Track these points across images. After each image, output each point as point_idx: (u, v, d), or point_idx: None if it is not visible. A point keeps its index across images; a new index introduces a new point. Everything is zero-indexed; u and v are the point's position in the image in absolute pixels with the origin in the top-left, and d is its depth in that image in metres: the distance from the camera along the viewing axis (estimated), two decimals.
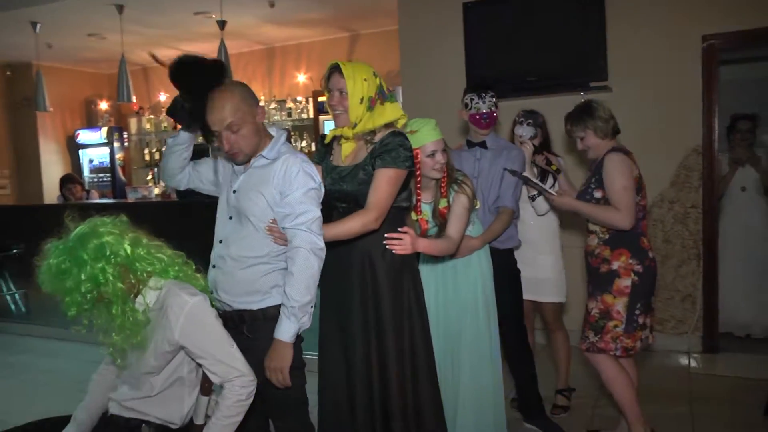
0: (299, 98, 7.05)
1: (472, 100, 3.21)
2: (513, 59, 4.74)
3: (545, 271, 3.51)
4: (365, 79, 2.39)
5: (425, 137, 2.70)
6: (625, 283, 2.86)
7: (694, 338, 4.58)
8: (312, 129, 6.94)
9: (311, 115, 7.00)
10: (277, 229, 2.23)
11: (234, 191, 2.30)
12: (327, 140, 2.55)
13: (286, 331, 2.14)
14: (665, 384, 3.98)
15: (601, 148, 2.99)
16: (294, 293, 2.13)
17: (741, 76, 5.93)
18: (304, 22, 6.40)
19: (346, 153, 2.49)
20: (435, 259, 2.89)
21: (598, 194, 2.94)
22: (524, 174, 3.13)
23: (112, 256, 1.89)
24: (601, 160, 2.95)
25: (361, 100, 2.39)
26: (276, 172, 2.23)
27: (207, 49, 7.14)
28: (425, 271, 2.88)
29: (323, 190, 2.35)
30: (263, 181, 2.23)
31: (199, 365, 2.04)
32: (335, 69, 2.44)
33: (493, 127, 3.30)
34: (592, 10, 4.50)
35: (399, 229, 2.44)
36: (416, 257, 2.62)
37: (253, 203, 2.24)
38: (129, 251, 1.94)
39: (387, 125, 2.44)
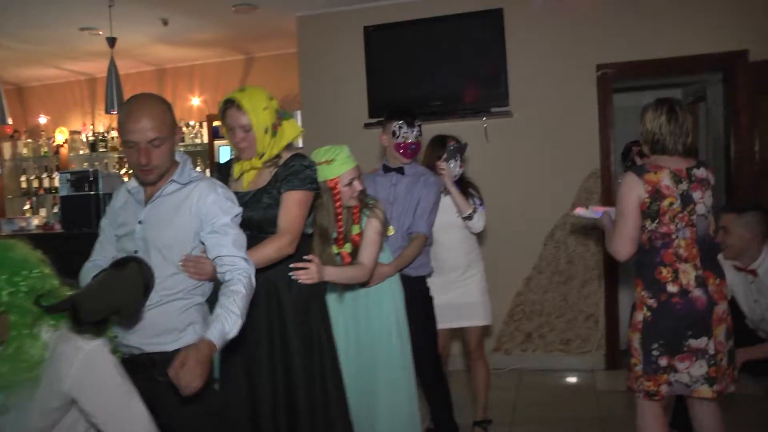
0: (192, 122, 6.72)
1: (400, 128, 3.14)
2: (416, 83, 4.71)
3: (472, 294, 3.45)
4: (265, 108, 2.33)
5: (342, 166, 2.62)
6: (638, 317, 2.52)
7: (597, 356, 4.67)
8: (206, 154, 6.64)
9: (205, 140, 6.69)
10: (192, 263, 2.06)
11: (140, 222, 2.09)
12: (236, 175, 2.45)
13: (219, 334, 1.86)
14: (574, 405, 4.04)
15: (647, 153, 2.65)
16: (240, 304, 1.94)
17: (633, 103, 6.21)
18: (198, 43, 6.12)
19: (249, 179, 2.43)
20: (345, 287, 2.78)
21: None
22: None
23: (27, 271, 1.68)
24: None
25: (266, 130, 2.34)
26: (191, 198, 2.08)
27: (95, 68, 6.70)
28: (335, 300, 2.78)
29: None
30: (176, 209, 2.07)
31: (93, 425, 1.75)
32: (231, 104, 2.34)
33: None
34: (493, 36, 4.57)
35: (304, 257, 2.39)
36: (324, 286, 2.56)
37: (164, 233, 2.06)
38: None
39: (288, 145, 2.44)
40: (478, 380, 3.55)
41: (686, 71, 4.67)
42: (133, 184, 2.17)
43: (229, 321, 1.89)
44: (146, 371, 2.02)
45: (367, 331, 2.83)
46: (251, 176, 2.42)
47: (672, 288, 2.44)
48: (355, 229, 2.69)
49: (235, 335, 1.91)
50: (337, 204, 2.61)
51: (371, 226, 2.71)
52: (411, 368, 2.90)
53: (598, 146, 4.56)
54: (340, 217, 2.63)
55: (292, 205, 2.33)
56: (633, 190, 2.49)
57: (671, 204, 2.46)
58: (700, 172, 2.52)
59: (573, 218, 4.58)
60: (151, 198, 2.10)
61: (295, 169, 2.35)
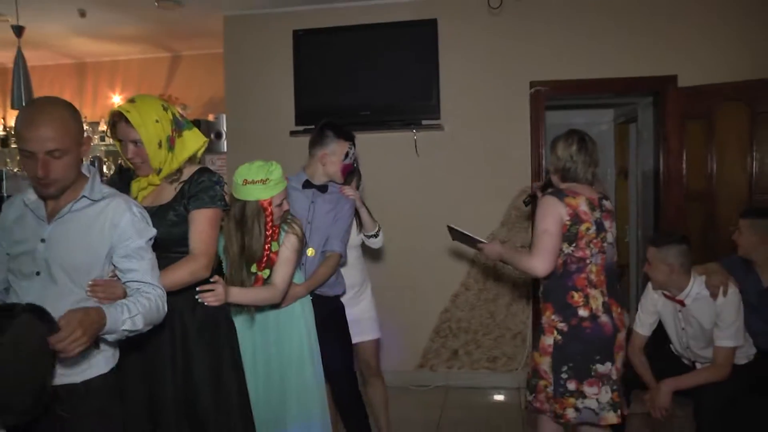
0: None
1: (351, 149, 3.03)
2: (345, 92, 4.56)
3: (367, 310, 3.40)
4: (157, 120, 2.15)
5: (277, 186, 2.50)
6: (548, 341, 2.57)
7: (523, 374, 4.59)
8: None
9: None
10: (101, 288, 1.85)
11: (43, 240, 1.86)
12: (134, 195, 2.26)
13: (114, 316, 1.74)
14: (500, 423, 4.01)
15: (556, 181, 2.74)
16: (145, 307, 1.82)
17: (566, 122, 6.23)
18: (121, 38, 5.79)
19: (145, 194, 2.26)
20: (256, 309, 2.60)
21: (532, 236, 2.76)
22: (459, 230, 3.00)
23: None
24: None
25: (159, 144, 2.16)
26: (104, 216, 1.90)
27: (6, 57, 6.24)
28: (243, 323, 2.61)
29: None
30: (87, 228, 1.88)
31: None
32: (120, 117, 2.16)
33: None
34: (426, 47, 4.45)
35: (210, 279, 2.25)
36: (228, 307, 2.40)
37: (73, 254, 1.86)
38: None
39: (191, 158, 2.28)
40: (378, 398, 3.44)
41: (618, 93, 4.68)
42: (32, 197, 1.94)
43: (126, 312, 1.77)
44: (49, 407, 1.78)
45: (277, 357, 2.67)
46: (148, 192, 2.25)
47: (583, 312, 2.52)
48: (274, 247, 2.53)
49: (127, 331, 1.78)
50: (269, 225, 2.48)
51: (288, 243, 2.57)
52: (324, 393, 2.75)
53: (530, 164, 4.50)
54: (269, 239, 2.49)
55: (205, 225, 2.19)
56: (556, 211, 2.54)
57: (588, 229, 2.56)
58: (608, 204, 2.69)
59: (502, 235, 4.52)
60: (57, 214, 1.88)
61: (205, 186, 2.21)
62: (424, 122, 4.50)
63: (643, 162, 5.12)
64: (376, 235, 3.41)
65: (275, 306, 2.63)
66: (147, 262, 1.91)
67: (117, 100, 6.37)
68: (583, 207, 2.57)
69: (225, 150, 5.24)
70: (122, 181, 2.36)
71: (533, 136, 4.50)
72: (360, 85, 4.53)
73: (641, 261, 5.16)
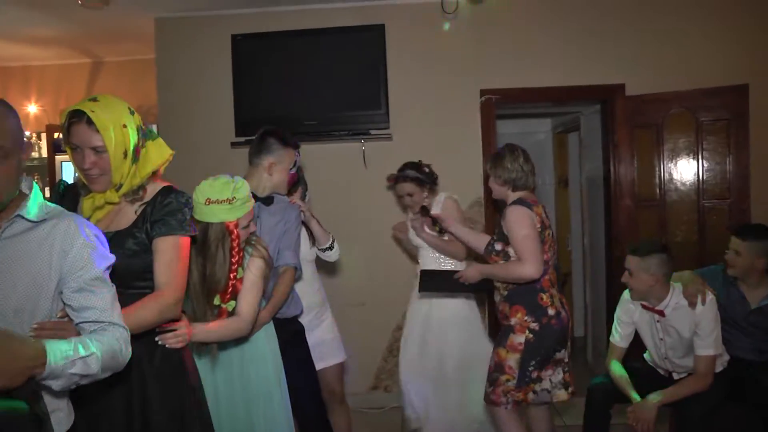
0: (28, 133, 5.84)
1: (297, 157, 2.84)
2: (289, 100, 4.31)
3: (328, 331, 3.22)
4: (125, 125, 1.80)
5: (244, 206, 2.24)
6: (518, 339, 2.82)
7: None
8: (45, 170, 5.78)
9: (45, 154, 5.83)
10: (49, 333, 1.46)
11: None
12: (87, 213, 1.89)
13: (60, 351, 1.35)
14: None
15: (502, 194, 2.99)
16: (99, 349, 1.43)
17: (501, 131, 6.19)
18: (34, 40, 5.29)
19: (100, 216, 1.89)
20: (217, 346, 2.32)
21: (498, 246, 2.92)
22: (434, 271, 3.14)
23: None
24: (504, 212, 2.89)
25: (125, 153, 1.81)
26: (48, 241, 1.52)
27: None
28: (204, 363, 2.32)
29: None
30: (26, 257, 1.49)
31: None
32: (80, 118, 1.79)
33: None
34: (374, 54, 4.27)
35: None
36: (187, 345, 2.08)
37: (11, 293, 1.47)
38: None
39: (153, 173, 1.94)
40: (343, 426, 3.23)
41: (567, 101, 4.65)
42: None
43: (79, 349, 1.39)
44: None
45: (242, 392, 2.40)
46: (104, 213, 1.90)
47: (551, 311, 2.84)
48: (240, 273, 2.26)
49: (79, 375, 1.40)
50: (235, 250, 2.20)
51: (254, 268, 2.31)
52: (291, 423, 2.52)
53: (482, 173, 4.38)
54: (235, 266, 2.21)
55: (173, 255, 1.88)
56: (529, 217, 2.81)
57: (549, 234, 2.92)
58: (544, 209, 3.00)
59: None
60: None
61: (172, 208, 1.89)
62: (372, 132, 4.31)
63: (588, 170, 5.11)
64: (331, 248, 3.22)
65: (238, 339, 2.35)
66: (105, 296, 1.55)
67: (33, 109, 5.85)
68: (543, 213, 2.92)
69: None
70: (66, 199, 1.99)
71: (485, 145, 4.40)
72: (305, 93, 4.29)
73: (591, 269, 5.16)
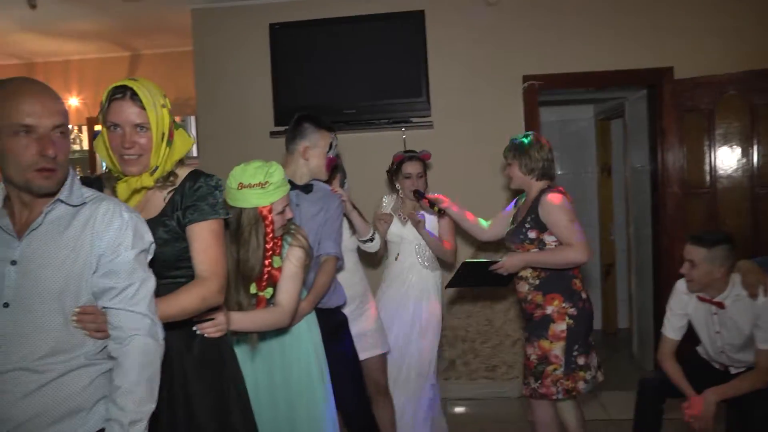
0: (69, 126, 5.92)
1: (334, 140, 2.76)
2: (328, 89, 4.25)
3: (372, 321, 3.15)
4: (163, 106, 1.77)
5: (278, 191, 2.18)
6: (560, 327, 2.79)
7: None
8: (86, 163, 5.85)
9: (86, 147, 5.90)
10: (91, 318, 1.48)
11: (14, 262, 1.46)
12: (122, 198, 1.82)
13: None
14: None
15: (524, 183, 2.95)
16: (129, 401, 1.44)
17: (559, 118, 6.09)
18: (75, 34, 5.34)
19: (135, 202, 1.86)
20: (259, 335, 2.28)
21: (532, 234, 2.84)
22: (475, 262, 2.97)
23: None
24: (536, 200, 2.84)
25: (163, 135, 1.78)
26: (90, 225, 1.53)
27: None
28: (244, 353, 2.28)
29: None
30: (67, 239, 1.51)
31: None
32: (123, 93, 1.75)
33: None
34: (414, 40, 4.19)
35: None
36: (228, 334, 2.04)
37: (57, 275, 1.48)
38: None
39: (180, 161, 1.90)
40: (386, 419, 3.15)
41: (612, 85, 4.49)
42: None
43: (122, 417, 1.45)
44: None
45: (283, 384, 2.36)
46: (134, 203, 1.85)
47: (584, 295, 2.86)
48: (276, 262, 2.21)
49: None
50: (269, 237, 2.15)
51: (293, 258, 2.25)
52: (335, 417, 2.47)
53: None
54: (269, 252, 2.17)
55: (210, 240, 1.82)
56: (568, 203, 2.81)
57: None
58: None
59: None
60: (30, 226, 1.49)
61: (203, 192, 1.83)
62: (413, 120, 4.24)
63: (633, 157, 4.97)
64: (372, 239, 3.18)
65: (279, 329, 2.31)
66: (135, 281, 1.53)
67: (74, 102, 5.91)
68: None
69: (196, 155, 4.87)
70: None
71: (527, 131, 4.27)
72: (344, 81, 4.24)
73: (636, 259, 5.02)
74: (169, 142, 1.82)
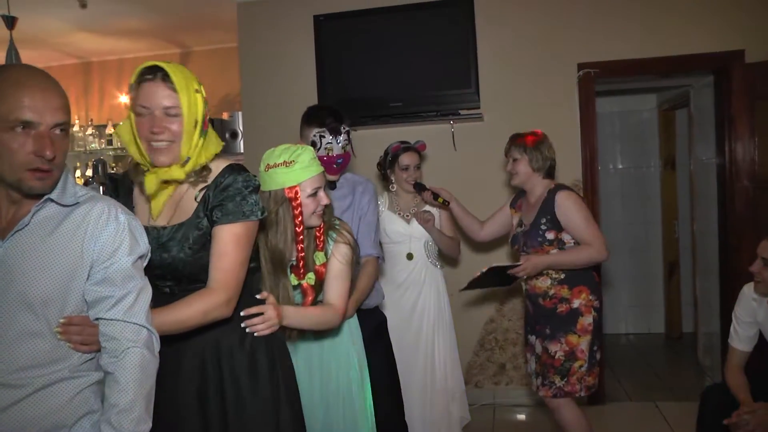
0: (122, 123, 6.00)
1: (321, 138, 2.44)
2: (373, 81, 4.12)
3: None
4: (197, 90, 1.64)
5: (305, 171, 2.01)
6: (588, 320, 2.77)
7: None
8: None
9: None
10: (77, 330, 1.37)
11: None
12: (150, 191, 1.70)
13: None
14: None
15: (529, 180, 2.92)
16: (126, 421, 1.33)
17: (601, 110, 5.78)
18: (126, 33, 5.42)
19: (160, 205, 1.71)
20: (301, 333, 2.15)
21: (550, 235, 2.79)
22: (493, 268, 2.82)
23: None
24: (547, 200, 2.81)
25: (195, 123, 1.63)
26: (80, 227, 1.41)
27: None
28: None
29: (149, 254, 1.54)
30: (56, 243, 1.39)
31: None
32: (155, 74, 1.62)
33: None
34: (462, 30, 4.01)
35: (257, 296, 1.83)
36: (282, 333, 1.93)
37: (42, 279, 1.36)
38: None
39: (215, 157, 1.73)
40: None
41: (675, 72, 4.21)
42: None
43: None
44: None
45: (321, 390, 2.25)
46: (164, 198, 1.71)
47: (601, 288, 2.89)
48: (320, 258, 2.08)
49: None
50: (298, 219, 2.00)
51: (339, 254, 2.11)
52: (373, 423, 2.34)
53: (580, 154, 4.06)
54: (301, 236, 2.03)
55: (228, 246, 1.65)
56: (581, 200, 2.82)
57: None
58: None
59: None
60: (15, 226, 1.38)
61: (230, 192, 1.67)
62: (462, 112, 4.06)
63: (699, 149, 4.65)
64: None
65: (317, 331, 2.20)
66: (132, 290, 1.43)
67: (125, 99, 5.99)
68: None
69: (242, 150, 4.84)
70: (121, 195, 1.82)
71: (583, 123, 4.06)
72: (390, 73, 4.10)
73: (701, 258, 4.71)
74: (204, 132, 1.69)
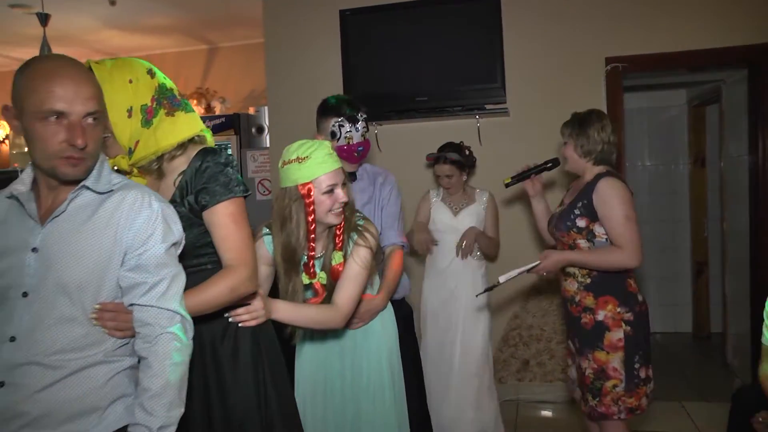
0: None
1: (341, 127, 2.47)
2: (399, 76, 4.10)
3: None
4: (131, 80, 1.62)
5: (320, 167, 1.99)
6: (617, 336, 2.46)
7: None
8: None
9: None
10: (111, 315, 1.41)
11: (34, 249, 1.40)
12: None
13: None
14: None
15: (579, 166, 2.65)
16: (158, 405, 1.36)
17: (629, 106, 5.70)
18: (154, 29, 5.50)
19: None
20: (325, 331, 2.18)
21: (581, 222, 2.53)
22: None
23: None
24: (590, 184, 2.53)
25: (129, 111, 1.62)
26: (114, 214, 1.44)
27: (32, 53, 5.99)
28: (312, 348, 2.24)
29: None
30: (92, 229, 1.43)
31: None
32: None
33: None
34: (488, 24, 3.97)
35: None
36: (269, 324, 1.91)
37: (78, 266, 1.40)
38: None
39: (185, 145, 1.70)
40: None
41: (708, 66, 4.12)
42: (22, 187, 1.47)
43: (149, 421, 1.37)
44: None
45: (352, 385, 2.25)
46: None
47: (640, 297, 2.52)
48: (337, 257, 2.07)
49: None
50: (310, 217, 1.99)
51: (358, 257, 2.08)
52: (405, 418, 2.35)
53: None
54: (312, 235, 2.02)
55: (230, 225, 1.68)
56: (628, 195, 2.47)
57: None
58: None
59: None
60: (53, 212, 1.42)
61: (211, 173, 1.68)
62: (488, 107, 4.03)
63: (730, 146, 4.56)
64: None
65: (347, 326, 2.20)
66: (165, 276, 1.45)
67: None
68: None
69: (267, 145, 4.87)
70: None
71: (611, 119, 3.98)
72: (415, 68, 4.08)
73: (732, 257, 4.62)
74: (147, 122, 1.66)
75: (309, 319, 2.02)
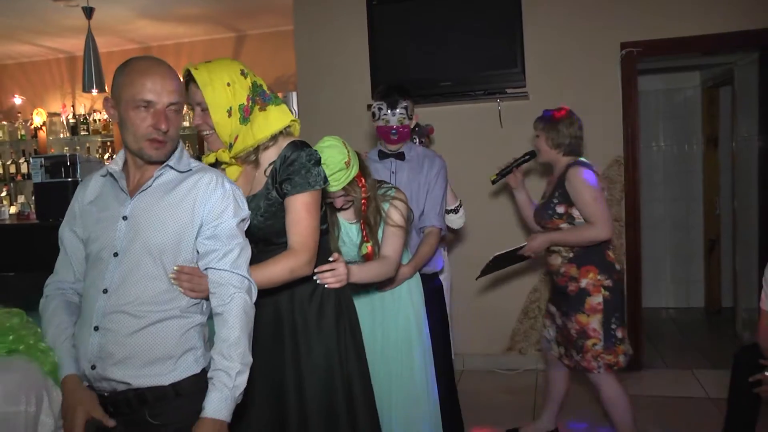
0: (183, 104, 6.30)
1: (380, 110, 2.74)
2: (424, 63, 4.32)
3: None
4: (228, 84, 1.87)
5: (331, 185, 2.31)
6: (596, 300, 2.83)
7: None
8: (195, 140, 6.22)
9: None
10: (187, 277, 1.66)
11: (124, 218, 1.68)
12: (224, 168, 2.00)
13: (224, 406, 1.59)
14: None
15: (550, 157, 3.01)
16: (235, 353, 1.61)
17: (644, 88, 5.87)
18: (184, 18, 5.70)
19: (234, 180, 1.96)
20: (357, 290, 2.42)
21: (560, 209, 2.90)
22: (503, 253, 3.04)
23: None
24: (562, 174, 2.89)
25: (229, 111, 1.87)
26: (194, 192, 1.70)
27: (74, 46, 6.26)
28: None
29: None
30: (173, 202, 1.69)
31: None
32: (189, 77, 1.92)
33: (407, 141, 2.86)
34: (509, 11, 4.18)
35: (330, 258, 2.07)
36: (347, 288, 2.17)
37: (160, 232, 1.66)
38: None
39: (276, 137, 1.95)
40: None
41: (721, 49, 4.28)
42: (115, 167, 1.75)
43: (226, 380, 1.60)
44: (135, 411, 1.64)
45: (383, 343, 2.51)
46: (235, 175, 1.98)
47: (617, 266, 2.91)
48: (364, 248, 2.41)
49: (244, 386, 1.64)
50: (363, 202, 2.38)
51: (394, 212, 2.41)
52: (433, 383, 2.58)
53: (622, 132, 4.21)
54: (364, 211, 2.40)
55: (302, 213, 1.91)
56: (593, 178, 2.83)
57: (606, 194, 2.93)
58: None
59: None
60: (141, 187, 1.70)
61: (296, 167, 1.90)
62: (508, 91, 4.25)
63: (742, 127, 4.74)
64: (456, 210, 3.24)
65: (380, 287, 2.48)
66: (233, 247, 1.69)
67: None
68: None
69: None
70: None
71: (625, 102, 4.19)
72: (439, 54, 4.29)
73: (741, 234, 4.82)
74: (245, 119, 1.89)
75: (375, 274, 2.31)
